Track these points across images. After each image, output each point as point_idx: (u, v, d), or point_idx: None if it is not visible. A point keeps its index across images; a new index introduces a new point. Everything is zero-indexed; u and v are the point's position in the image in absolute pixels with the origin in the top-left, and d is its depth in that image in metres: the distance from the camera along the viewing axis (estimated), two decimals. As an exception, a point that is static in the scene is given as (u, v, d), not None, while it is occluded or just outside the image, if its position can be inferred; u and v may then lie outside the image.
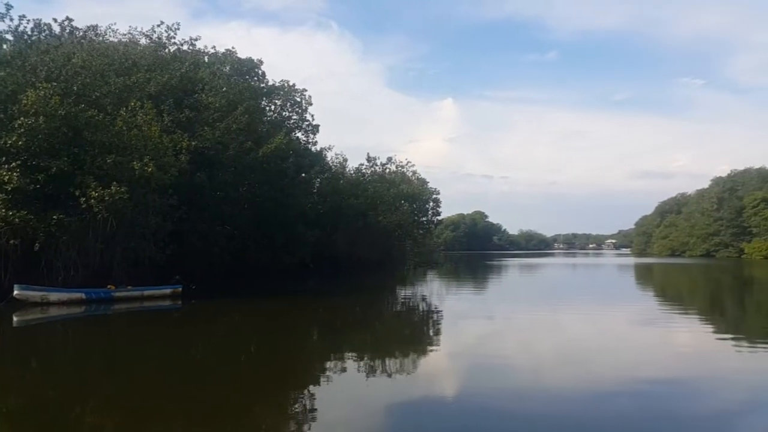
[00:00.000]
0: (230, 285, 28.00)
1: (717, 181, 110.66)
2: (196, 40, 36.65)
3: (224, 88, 32.44)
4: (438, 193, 68.02)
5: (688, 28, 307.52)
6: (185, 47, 35.88)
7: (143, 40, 35.49)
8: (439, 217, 73.68)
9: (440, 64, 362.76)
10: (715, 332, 17.14)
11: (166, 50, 34.76)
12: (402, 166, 63.49)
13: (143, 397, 9.28)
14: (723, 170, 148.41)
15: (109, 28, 35.90)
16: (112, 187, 21.77)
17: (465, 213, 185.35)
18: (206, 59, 36.58)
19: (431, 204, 67.40)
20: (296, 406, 9.26)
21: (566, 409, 8.64)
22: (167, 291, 23.64)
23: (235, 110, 30.65)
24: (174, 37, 35.52)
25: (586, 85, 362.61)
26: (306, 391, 10.07)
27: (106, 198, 21.65)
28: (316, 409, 8.85)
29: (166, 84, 29.25)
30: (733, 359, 12.77)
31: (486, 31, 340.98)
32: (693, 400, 9.19)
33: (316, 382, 10.66)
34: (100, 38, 34.30)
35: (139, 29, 36.23)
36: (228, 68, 37.23)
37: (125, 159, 23.00)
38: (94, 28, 34.87)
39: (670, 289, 36.05)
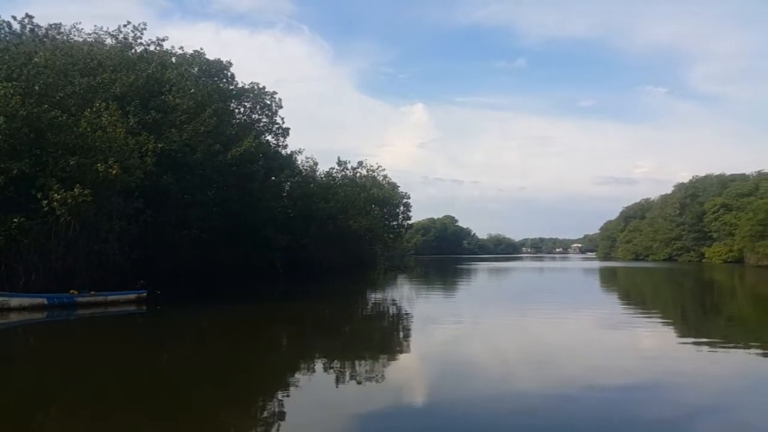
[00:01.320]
0: (198, 289, 27.61)
1: (679, 187, 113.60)
2: (163, 40, 36.16)
3: (192, 90, 32.06)
4: (408, 198, 68.72)
5: (652, 36, 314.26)
6: (152, 48, 35.35)
7: (109, 40, 34.88)
8: (410, 222, 74.38)
9: (411, 69, 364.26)
10: (677, 335, 17.58)
11: (133, 50, 34.19)
12: (373, 171, 63.83)
13: (105, 405, 9.06)
14: (685, 176, 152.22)
15: (74, 27, 35.22)
16: (75, 190, 21.30)
17: (435, 217, 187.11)
18: (174, 60, 36.05)
19: (402, 208, 67.96)
20: (264, 411, 9.16)
21: (533, 411, 8.74)
22: (132, 296, 23.17)
23: (204, 112, 30.30)
24: (141, 38, 35.03)
25: (553, 92, 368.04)
26: (274, 397, 9.98)
27: (69, 200, 21.17)
28: (284, 414, 8.77)
29: (132, 85, 28.74)
30: (694, 361, 13.10)
31: (456, 37, 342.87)
32: (656, 401, 9.39)
33: (284, 387, 10.58)
34: (64, 37, 33.58)
35: (104, 29, 35.63)
36: (196, 69, 36.80)
37: (89, 161, 22.53)
38: (57, 26, 34.18)
39: (634, 292, 36.83)
